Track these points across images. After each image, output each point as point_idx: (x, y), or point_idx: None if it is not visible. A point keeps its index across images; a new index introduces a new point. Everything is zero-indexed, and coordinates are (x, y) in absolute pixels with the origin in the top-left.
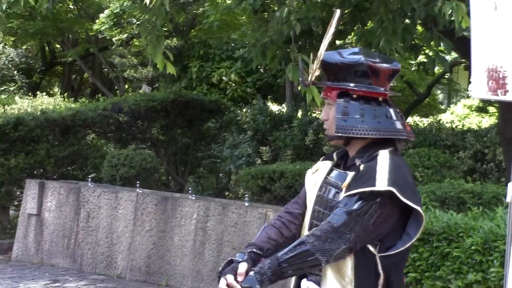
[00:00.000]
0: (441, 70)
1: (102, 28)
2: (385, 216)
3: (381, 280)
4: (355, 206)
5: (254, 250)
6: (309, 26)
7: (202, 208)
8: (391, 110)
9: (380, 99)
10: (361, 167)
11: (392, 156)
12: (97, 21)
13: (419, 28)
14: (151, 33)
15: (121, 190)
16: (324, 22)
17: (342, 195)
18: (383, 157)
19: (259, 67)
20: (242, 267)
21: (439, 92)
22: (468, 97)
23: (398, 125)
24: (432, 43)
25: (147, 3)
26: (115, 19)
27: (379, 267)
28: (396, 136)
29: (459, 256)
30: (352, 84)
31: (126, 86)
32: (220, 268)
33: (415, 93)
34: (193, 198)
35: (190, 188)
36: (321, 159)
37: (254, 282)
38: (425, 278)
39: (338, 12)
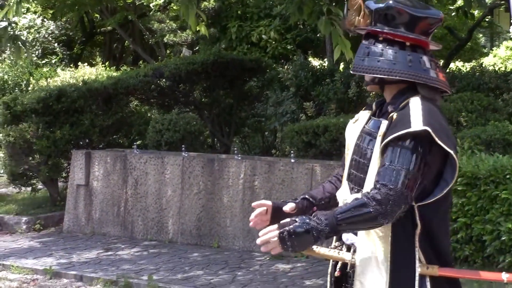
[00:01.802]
0: (481, 13)
1: None
2: (429, 164)
3: (418, 230)
4: (400, 161)
5: (306, 196)
6: None
7: (249, 168)
8: (425, 58)
9: (408, 44)
10: (394, 115)
11: (424, 102)
12: None
13: None
14: None
15: (167, 155)
16: None
17: (377, 143)
18: (415, 102)
19: (297, 23)
20: (289, 205)
21: (481, 36)
22: (511, 39)
23: (432, 73)
24: None
25: None
26: None
27: (417, 217)
28: (425, 81)
29: (507, 198)
30: (387, 28)
31: (168, 51)
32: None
33: (456, 38)
34: (239, 158)
35: (235, 149)
36: (363, 108)
37: (301, 227)
38: (475, 222)
39: None
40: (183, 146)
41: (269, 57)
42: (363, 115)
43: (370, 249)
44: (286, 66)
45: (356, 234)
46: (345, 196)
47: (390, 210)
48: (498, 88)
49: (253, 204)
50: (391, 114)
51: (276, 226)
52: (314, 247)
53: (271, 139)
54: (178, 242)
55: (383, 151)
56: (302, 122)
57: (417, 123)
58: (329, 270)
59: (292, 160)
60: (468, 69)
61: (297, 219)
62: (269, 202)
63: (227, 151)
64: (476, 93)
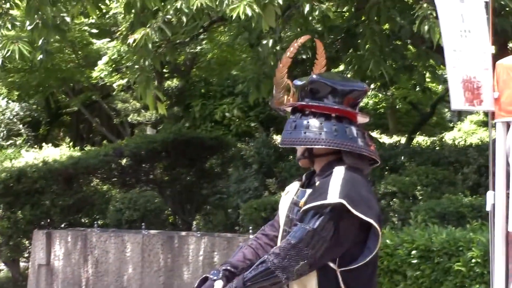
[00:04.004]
0: (444, 88)
1: (102, 75)
2: (343, 231)
3: None
4: (311, 222)
5: (228, 268)
6: (299, 54)
7: (208, 244)
8: (352, 127)
9: (333, 115)
10: (317, 182)
11: (347, 172)
12: (96, 68)
13: (411, 48)
14: (140, 74)
15: (127, 233)
16: (313, 50)
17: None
18: (338, 172)
19: (260, 100)
20: (218, 285)
21: (446, 110)
22: (476, 112)
23: (359, 142)
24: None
25: (130, 43)
26: (113, 65)
27: (340, 282)
28: (351, 149)
29: (460, 270)
30: (311, 102)
31: (136, 131)
32: (196, 285)
33: (419, 113)
34: (199, 235)
35: (194, 226)
36: (296, 180)
37: None
38: None
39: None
40: (142, 224)
41: (233, 135)
42: (293, 187)
43: None
44: (249, 144)
45: None
46: None
47: (287, 264)
48: (458, 161)
49: None
50: (316, 183)
51: None
52: None
53: (235, 216)
54: None
55: (301, 217)
56: (265, 198)
57: (333, 195)
58: None
59: (251, 236)
60: (428, 144)
61: None
62: None
63: (189, 228)
64: (431, 167)
